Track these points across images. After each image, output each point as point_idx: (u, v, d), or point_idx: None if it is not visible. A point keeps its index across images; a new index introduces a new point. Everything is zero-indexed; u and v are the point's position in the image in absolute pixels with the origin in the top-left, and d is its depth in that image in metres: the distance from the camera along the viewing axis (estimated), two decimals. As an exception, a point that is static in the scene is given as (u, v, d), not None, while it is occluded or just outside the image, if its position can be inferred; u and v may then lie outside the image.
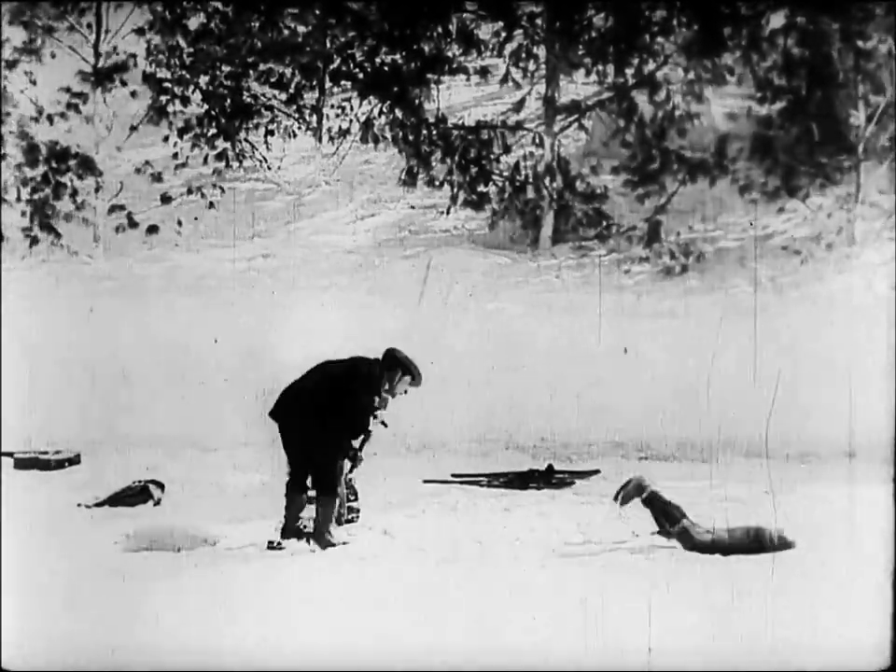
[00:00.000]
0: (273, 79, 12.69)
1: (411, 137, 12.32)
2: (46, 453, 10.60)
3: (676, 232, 11.90)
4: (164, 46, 12.43)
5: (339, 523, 8.97)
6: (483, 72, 12.71)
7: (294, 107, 12.78)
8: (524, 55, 12.31)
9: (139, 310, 11.28)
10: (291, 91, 12.70)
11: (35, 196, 12.10)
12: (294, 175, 13.03)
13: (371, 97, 12.55)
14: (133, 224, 12.28)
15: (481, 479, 10.09)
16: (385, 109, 12.48)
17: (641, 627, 7.07)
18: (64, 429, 10.80)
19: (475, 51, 12.46)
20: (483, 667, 6.75)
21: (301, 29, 12.52)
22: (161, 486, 9.61)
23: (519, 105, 12.63)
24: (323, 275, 11.79)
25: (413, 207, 12.46)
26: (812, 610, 7.30)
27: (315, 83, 12.73)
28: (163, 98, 12.48)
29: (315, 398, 8.44)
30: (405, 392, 8.62)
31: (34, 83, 12.16)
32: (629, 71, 12.08)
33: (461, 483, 10.07)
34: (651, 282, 11.60)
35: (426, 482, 10.03)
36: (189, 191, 12.49)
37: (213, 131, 12.63)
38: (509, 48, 12.38)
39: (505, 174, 12.25)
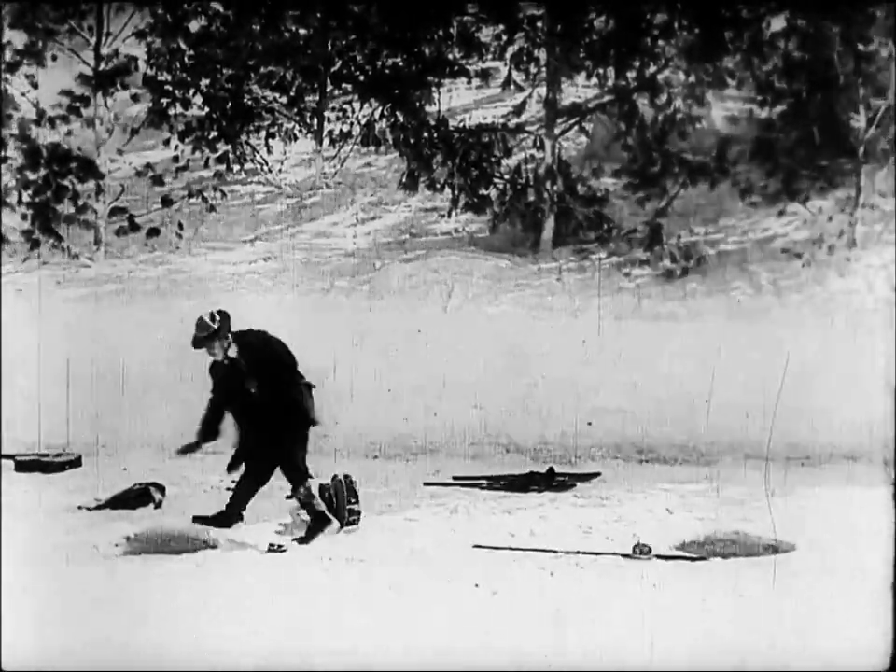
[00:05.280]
0: (273, 82, 12.69)
1: (412, 140, 12.33)
2: (46, 455, 10.59)
3: (676, 235, 11.90)
4: (165, 49, 12.44)
5: (340, 525, 8.97)
6: (484, 75, 12.72)
7: (295, 110, 12.79)
8: (524, 58, 12.32)
9: (140, 312, 11.28)
10: (292, 93, 12.71)
11: (37, 199, 12.11)
12: (295, 178, 13.04)
13: (372, 100, 12.56)
14: (133, 227, 12.28)
15: (481, 481, 10.08)
16: (385, 112, 12.49)
17: (642, 629, 7.08)
18: (65, 432, 10.80)
19: (476, 54, 12.47)
20: (482, 668, 6.76)
21: (302, 32, 12.53)
22: (161, 489, 9.60)
23: (520, 108, 12.64)
24: (324, 278, 11.79)
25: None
26: (812, 612, 7.30)
27: (315, 86, 12.74)
28: (164, 101, 12.48)
29: None
30: None
31: (35, 86, 12.16)
32: (630, 74, 12.09)
33: (462, 485, 10.07)
34: (651, 285, 11.60)
35: (426, 484, 10.03)
36: (190, 194, 12.49)
37: (214, 134, 12.64)
38: (510, 50, 12.40)
39: (506, 176, 12.26)
